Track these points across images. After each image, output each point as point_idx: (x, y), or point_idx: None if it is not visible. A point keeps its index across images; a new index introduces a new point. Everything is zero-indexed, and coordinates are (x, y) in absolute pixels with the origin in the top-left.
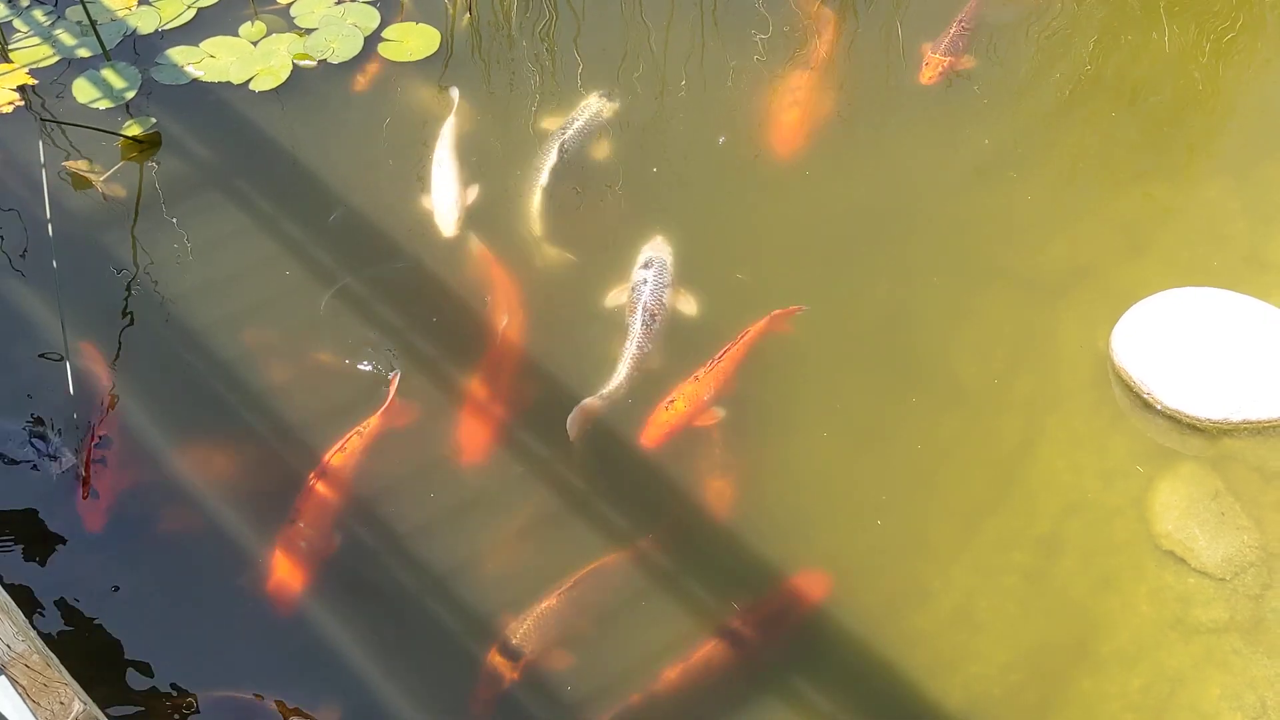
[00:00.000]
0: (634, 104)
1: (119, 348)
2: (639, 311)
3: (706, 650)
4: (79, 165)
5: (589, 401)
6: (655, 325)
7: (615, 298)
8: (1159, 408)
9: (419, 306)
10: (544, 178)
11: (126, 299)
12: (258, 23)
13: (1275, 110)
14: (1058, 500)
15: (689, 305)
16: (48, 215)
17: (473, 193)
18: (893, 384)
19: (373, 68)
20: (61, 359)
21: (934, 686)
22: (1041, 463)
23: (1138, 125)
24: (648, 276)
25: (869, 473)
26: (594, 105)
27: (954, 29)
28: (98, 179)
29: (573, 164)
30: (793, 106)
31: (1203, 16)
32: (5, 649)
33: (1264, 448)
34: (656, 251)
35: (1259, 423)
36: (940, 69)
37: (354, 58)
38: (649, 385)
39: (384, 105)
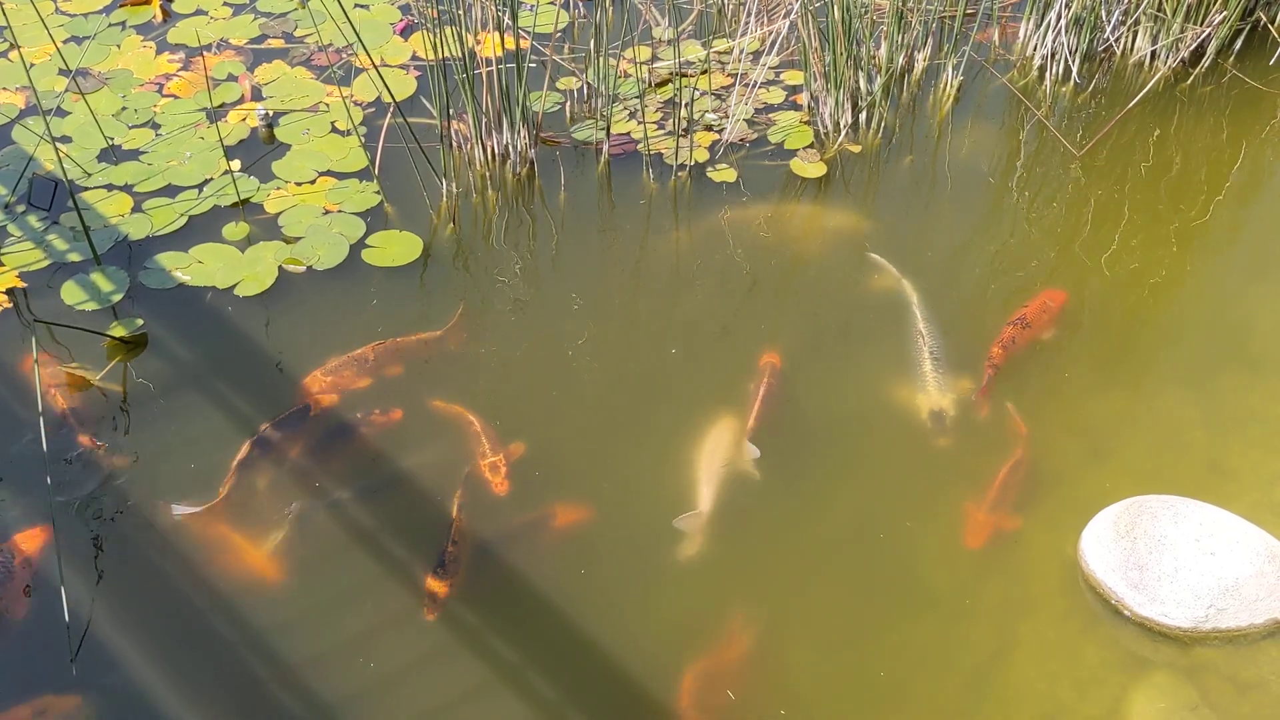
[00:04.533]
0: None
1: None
2: None
3: None
4: (72, 368)
5: None
6: None
7: None
8: (1129, 615)
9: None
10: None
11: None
12: (241, 223)
13: (1224, 324)
14: (1032, 710)
15: None
16: (39, 409)
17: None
18: (862, 591)
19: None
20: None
21: None
22: (1015, 671)
23: (1094, 336)
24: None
25: (840, 682)
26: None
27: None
28: (94, 378)
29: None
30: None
31: (1152, 238)
32: None
33: (1236, 658)
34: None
35: (1228, 631)
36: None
37: (339, 264)
38: None
39: (370, 314)
